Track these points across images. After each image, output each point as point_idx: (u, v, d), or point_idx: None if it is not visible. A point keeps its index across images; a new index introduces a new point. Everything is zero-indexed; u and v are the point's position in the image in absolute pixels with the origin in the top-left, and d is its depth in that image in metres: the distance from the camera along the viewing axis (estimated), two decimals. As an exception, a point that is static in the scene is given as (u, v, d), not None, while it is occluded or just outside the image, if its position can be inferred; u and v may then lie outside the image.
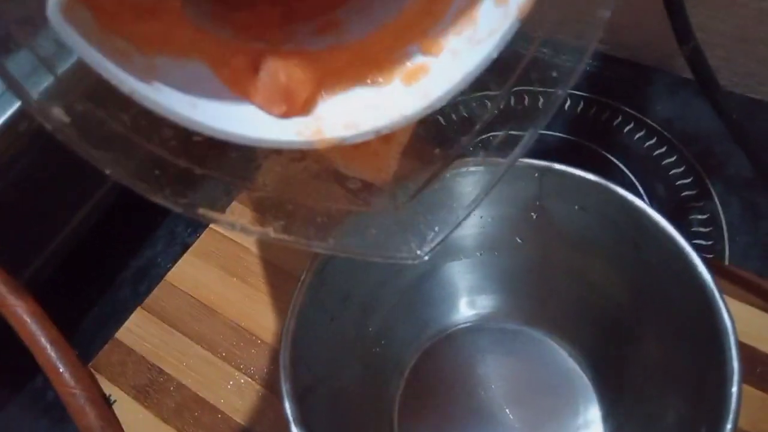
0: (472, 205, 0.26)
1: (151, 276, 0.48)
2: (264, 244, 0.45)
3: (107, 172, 0.19)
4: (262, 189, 0.24)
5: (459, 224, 0.26)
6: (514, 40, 0.20)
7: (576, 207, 0.33)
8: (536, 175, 0.32)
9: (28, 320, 0.31)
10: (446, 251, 0.37)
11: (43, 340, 0.40)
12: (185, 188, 0.21)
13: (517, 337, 0.38)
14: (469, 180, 0.29)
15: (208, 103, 0.18)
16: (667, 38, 0.53)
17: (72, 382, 0.38)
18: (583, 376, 0.36)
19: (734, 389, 0.24)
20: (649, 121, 0.50)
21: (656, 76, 0.53)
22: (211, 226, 0.47)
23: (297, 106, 0.20)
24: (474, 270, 0.38)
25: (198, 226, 0.48)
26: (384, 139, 0.21)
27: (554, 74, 0.23)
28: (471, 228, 0.36)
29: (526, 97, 0.24)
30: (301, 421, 0.27)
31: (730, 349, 0.25)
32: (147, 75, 0.17)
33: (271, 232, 0.23)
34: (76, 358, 0.40)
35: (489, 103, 0.24)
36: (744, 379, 0.34)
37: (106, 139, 0.20)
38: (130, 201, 0.57)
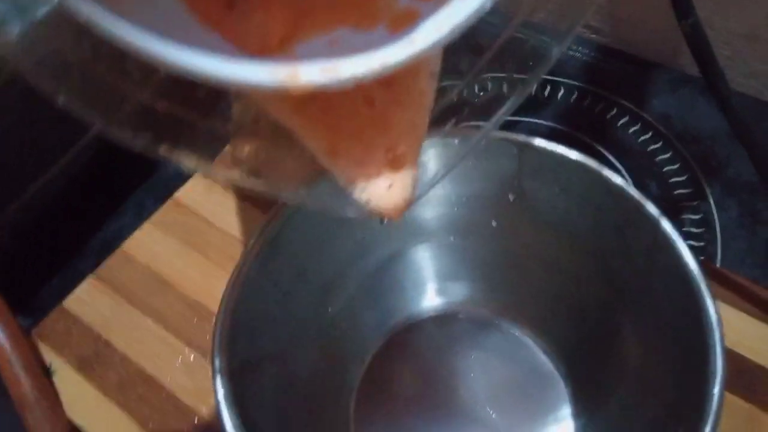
0: (434, 180, 0.23)
1: (116, 248, 0.45)
2: (228, 218, 0.42)
3: (60, 102, 0.18)
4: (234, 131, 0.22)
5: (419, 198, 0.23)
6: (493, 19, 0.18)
7: (557, 189, 0.30)
8: (515, 151, 0.30)
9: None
10: (415, 232, 0.34)
11: (-19, 302, 0.37)
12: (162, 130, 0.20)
13: (488, 329, 0.36)
14: (432, 153, 0.26)
15: (176, 36, 0.16)
16: (669, 33, 0.50)
17: (8, 348, 0.36)
18: (555, 372, 0.34)
19: (716, 390, 0.22)
20: (645, 116, 0.47)
21: (656, 71, 0.50)
22: (175, 196, 0.44)
23: (272, 44, 0.18)
24: (445, 254, 0.36)
25: (166, 199, 0.45)
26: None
27: (533, 56, 0.22)
28: (443, 208, 0.33)
29: (505, 84, 0.22)
30: (233, 401, 0.24)
31: (714, 347, 0.23)
32: (111, 1, 0.15)
33: (238, 176, 0.22)
34: (14, 323, 0.37)
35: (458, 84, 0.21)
36: (731, 389, 0.31)
37: (63, 70, 0.18)
38: (98, 170, 0.55)
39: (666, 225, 0.26)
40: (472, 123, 0.25)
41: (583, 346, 0.32)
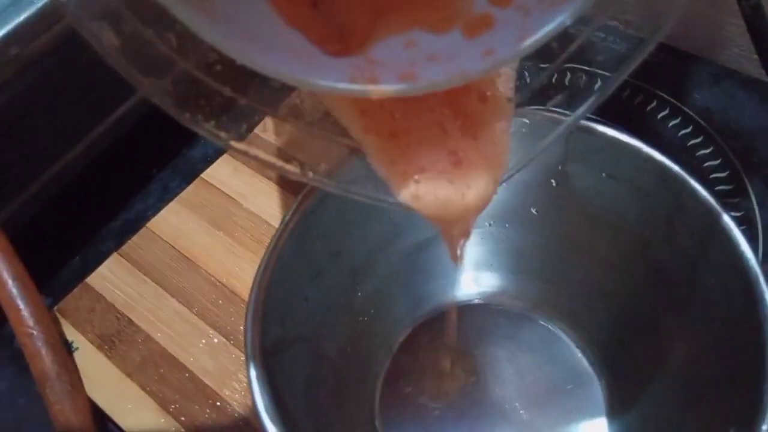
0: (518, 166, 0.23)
1: (138, 230, 0.45)
2: (256, 199, 0.41)
3: (153, 98, 0.18)
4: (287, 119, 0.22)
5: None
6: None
7: (603, 174, 0.29)
8: (562, 133, 0.28)
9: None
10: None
11: (5, 275, 0.37)
12: (224, 117, 0.20)
13: (522, 322, 0.35)
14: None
15: (261, 35, 0.17)
16: (711, 26, 0.49)
17: (30, 322, 0.35)
18: (591, 370, 0.32)
19: (776, 386, 0.21)
20: (686, 110, 0.46)
21: (697, 64, 0.49)
22: (202, 176, 0.43)
23: (352, 44, 0.18)
24: (481, 242, 0.34)
25: (192, 181, 0.45)
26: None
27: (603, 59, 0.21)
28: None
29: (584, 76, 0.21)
30: (266, 381, 0.23)
31: (774, 341, 0.22)
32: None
33: (280, 162, 0.22)
34: (38, 298, 0.36)
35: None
36: None
37: (151, 62, 0.19)
38: (123, 150, 0.54)
39: (722, 213, 0.25)
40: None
41: (622, 343, 0.31)
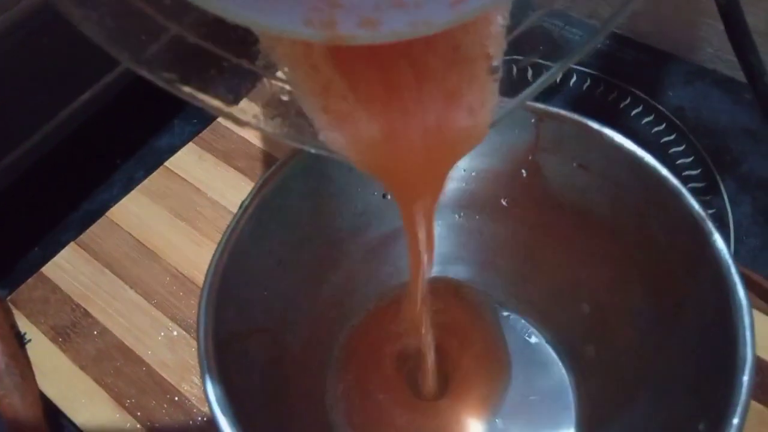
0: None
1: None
2: (220, 188, 0.40)
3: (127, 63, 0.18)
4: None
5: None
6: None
7: (575, 164, 0.28)
8: (533, 120, 0.28)
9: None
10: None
11: (-48, 263, 0.35)
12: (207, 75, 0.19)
13: (491, 315, 0.34)
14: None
15: None
16: (687, 26, 0.49)
17: (-22, 312, 0.34)
18: (560, 365, 0.32)
19: (745, 378, 0.20)
20: (659, 107, 0.46)
21: (672, 62, 0.49)
22: (166, 164, 0.42)
23: None
24: (450, 234, 0.34)
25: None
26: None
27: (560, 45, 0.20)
28: (451, 182, 0.31)
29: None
30: (218, 370, 0.22)
31: (744, 331, 0.21)
32: None
33: (262, 119, 0.20)
34: (-13, 286, 0.35)
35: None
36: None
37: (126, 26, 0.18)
38: (87, 138, 0.52)
39: (691, 202, 0.24)
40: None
41: (592, 335, 0.30)
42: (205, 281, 0.23)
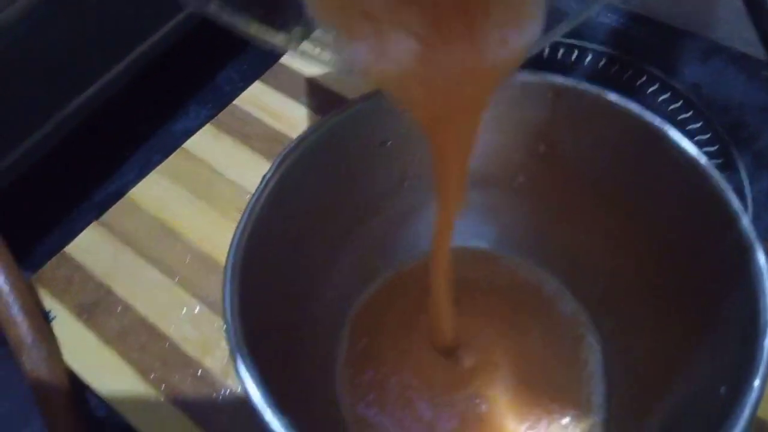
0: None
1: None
2: (237, 169, 0.41)
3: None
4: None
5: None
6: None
7: (591, 138, 0.28)
8: (549, 95, 0.28)
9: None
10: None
11: (-21, 243, 0.36)
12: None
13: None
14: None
15: None
16: (702, 2, 0.49)
17: (6, 289, 0.34)
18: (581, 332, 0.32)
19: (767, 342, 0.20)
20: (675, 85, 0.45)
21: (687, 39, 0.48)
22: (183, 146, 0.42)
23: None
24: (466, 211, 0.34)
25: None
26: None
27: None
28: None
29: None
30: (248, 354, 0.22)
31: (765, 298, 0.21)
32: None
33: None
34: (14, 266, 0.36)
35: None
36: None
37: None
38: (105, 123, 0.53)
39: (709, 169, 0.24)
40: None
41: (611, 307, 0.31)
42: (230, 249, 0.24)
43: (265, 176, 0.26)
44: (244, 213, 0.24)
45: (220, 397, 0.33)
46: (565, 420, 0.29)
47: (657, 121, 0.26)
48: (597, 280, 0.32)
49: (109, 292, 0.37)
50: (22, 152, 0.47)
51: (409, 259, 0.34)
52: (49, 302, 0.36)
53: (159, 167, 0.41)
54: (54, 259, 0.38)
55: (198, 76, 0.56)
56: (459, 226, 0.34)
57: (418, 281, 0.33)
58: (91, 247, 0.38)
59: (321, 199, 0.29)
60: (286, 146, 0.27)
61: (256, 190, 0.25)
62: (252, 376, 0.21)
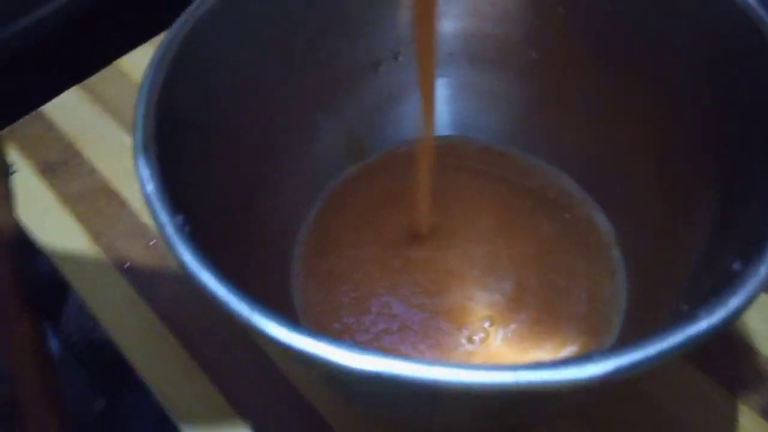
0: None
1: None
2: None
3: None
4: None
5: None
6: None
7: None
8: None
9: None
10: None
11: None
12: None
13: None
14: None
15: None
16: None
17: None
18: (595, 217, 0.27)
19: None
20: None
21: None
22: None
23: None
24: (464, 94, 0.29)
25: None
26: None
27: None
28: (467, 24, 0.27)
29: None
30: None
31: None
32: None
33: None
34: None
35: None
36: None
37: None
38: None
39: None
40: None
41: (625, 179, 0.26)
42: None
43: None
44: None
45: (167, 272, 0.29)
46: (572, 326, 0.25)
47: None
48: (616, 181, 0.27)
49: (77, 154, 0.34)
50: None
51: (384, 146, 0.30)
52: (15, 157, 0.34)
53: (151, 40, 0.38)
54: (28, 117, 0.36)
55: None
56: (452, 115, 0.30)
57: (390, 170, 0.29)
58: (68, 108, 0.36)
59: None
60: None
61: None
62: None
